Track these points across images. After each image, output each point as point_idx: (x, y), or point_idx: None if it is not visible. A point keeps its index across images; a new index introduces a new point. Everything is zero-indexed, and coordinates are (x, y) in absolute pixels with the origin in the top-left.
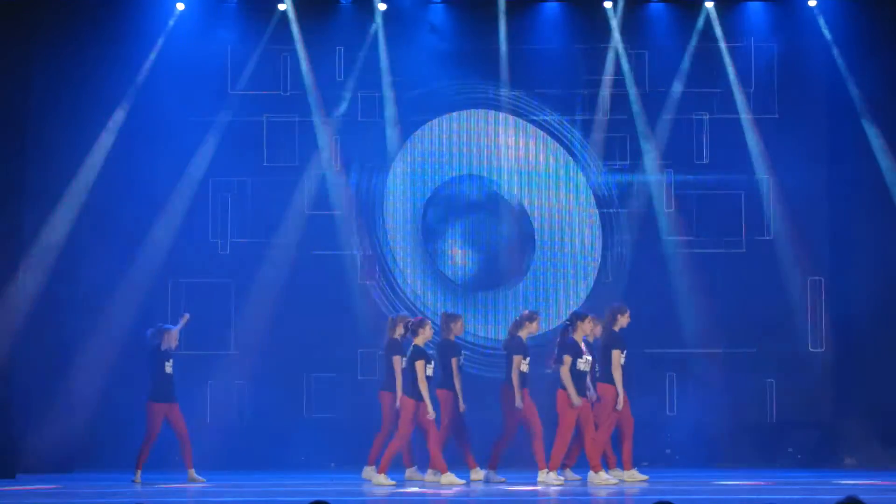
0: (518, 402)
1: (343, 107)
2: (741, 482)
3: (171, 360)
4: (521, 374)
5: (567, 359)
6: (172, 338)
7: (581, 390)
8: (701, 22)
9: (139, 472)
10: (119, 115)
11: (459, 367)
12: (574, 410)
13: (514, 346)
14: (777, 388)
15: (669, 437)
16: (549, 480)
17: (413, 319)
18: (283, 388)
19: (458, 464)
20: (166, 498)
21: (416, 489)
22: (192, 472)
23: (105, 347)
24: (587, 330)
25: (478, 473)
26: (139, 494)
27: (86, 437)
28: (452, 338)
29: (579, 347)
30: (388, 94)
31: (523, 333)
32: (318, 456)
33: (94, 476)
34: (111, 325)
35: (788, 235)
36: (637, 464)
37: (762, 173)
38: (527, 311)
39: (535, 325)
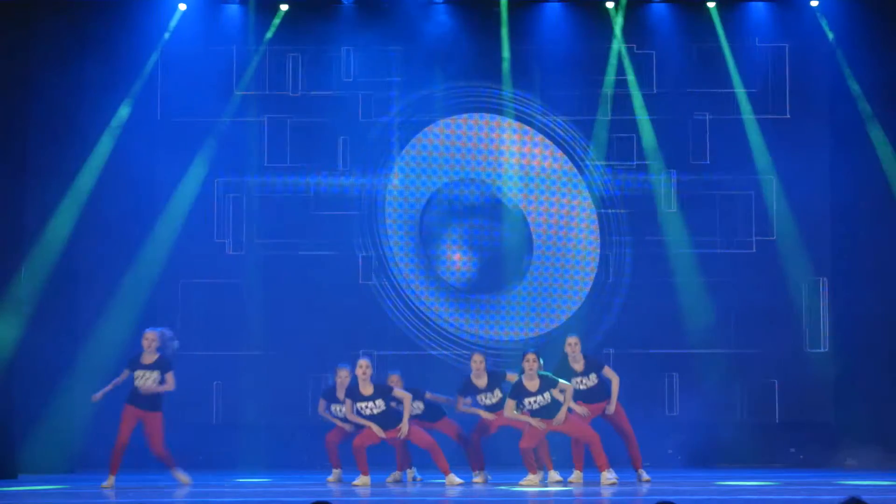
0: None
1: (347, 108)
2: (743, 483)
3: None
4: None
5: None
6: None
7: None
8: (703, 22)
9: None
10: (121, 116)
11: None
12: (539, 432)
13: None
14: (779, 388)
15: (671, 437)
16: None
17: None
18: (285, 388)
19: (463, 464)
20: (167, 499)
21: (417, 489)
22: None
23: (107, 348)
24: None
25: (479, 476)
26: (140, 494)
27: (87, 437)
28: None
29: (523, 389)
30: (391, 95)
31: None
32: (320, 457)
33: (96, 477)
34: (113, 326)
35: (791, 236)
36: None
37: (765, 173)
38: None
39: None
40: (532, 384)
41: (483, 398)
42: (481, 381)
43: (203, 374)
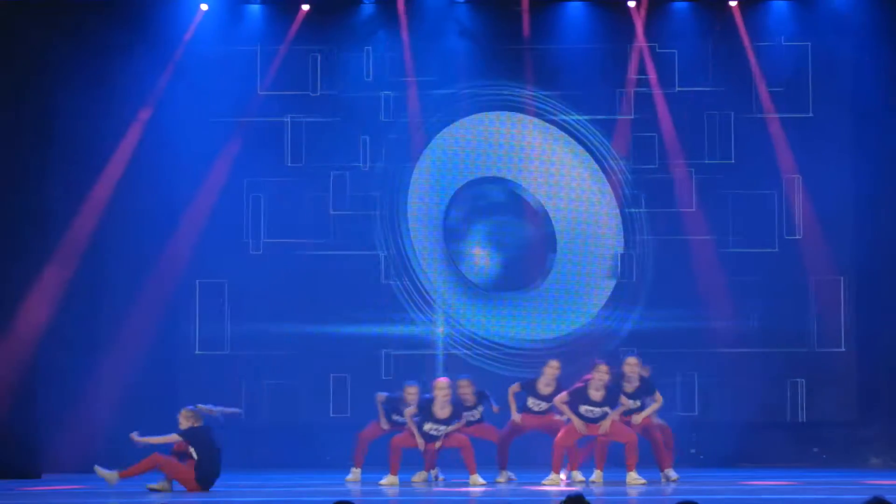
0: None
1: (369, 107)
2: (766, 482)
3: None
4: None
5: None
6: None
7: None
8: (726, 21)
9: None
10: (143, 116)
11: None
12: (576, 432)
13: None
14: (802, 387)
15: (694, 437)
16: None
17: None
18: (307, 388)
19: (491, 464)
20: (188, 498)
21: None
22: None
23: (130, 347)
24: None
25: (503, 476)
26: (164, 496)
27: (110, 437)
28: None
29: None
30: (413, 94)
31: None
32: (343, 456)
33: None
34: (136, 326)
35: (814, 235)
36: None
37: (787, 172)
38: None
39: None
40: (598, 395)
41: (535, 404)
42: (548, 388)
43: (228, 375)
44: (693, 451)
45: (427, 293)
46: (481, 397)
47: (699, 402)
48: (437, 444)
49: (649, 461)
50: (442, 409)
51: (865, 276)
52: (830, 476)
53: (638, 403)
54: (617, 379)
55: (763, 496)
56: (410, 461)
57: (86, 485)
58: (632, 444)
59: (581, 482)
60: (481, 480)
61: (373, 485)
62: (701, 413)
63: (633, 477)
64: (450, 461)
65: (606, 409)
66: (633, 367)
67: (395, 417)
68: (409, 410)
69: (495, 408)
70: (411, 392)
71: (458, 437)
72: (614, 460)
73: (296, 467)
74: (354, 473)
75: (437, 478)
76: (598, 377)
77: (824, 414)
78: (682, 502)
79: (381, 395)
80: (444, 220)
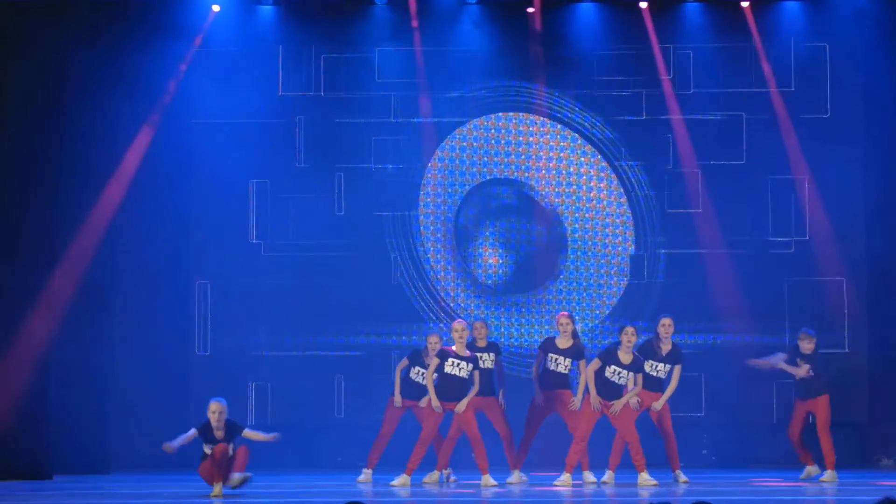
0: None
1: (380, 108)
2: (778, 483)
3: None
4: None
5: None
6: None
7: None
8: (739, 22)
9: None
10: (155, 118)
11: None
12: (592, 413)
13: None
14: None
15: (705, 437)
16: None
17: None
18: (317, 388)
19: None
20: (201, 500)
21: (451, 490)
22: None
23: (141, 349)
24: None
25: (515, 476)
26: (175, 496)
27: (122, 438)
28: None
29: (616, 358)
30: (424, 95)
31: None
32: (354, 457)
33: (131, 477)
34: (147, 327)
35: (825, 236)
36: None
37: (798, 173)
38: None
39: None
40: (626, 357)
41: (554, 361)
42: (565, 342)
43: (237, 375)
44: (704, 452)
45: (438, 294)
46: (492, 346)
47: (706, 402)
48: (462, 406)
49: (658, 461)
50: (461, 350)
51: (876, 276)
52: (842, 477)
53: (664, 370)
54: (648, 343)
55: (775, 497)
56: (424, 463)
57: (97, 486)
58: (633, 443)
59: (592, 483)
60: (493, 482)
61: (384, 485)
62: (711, 413)
63: (645, 478)
64: (461, 462)
65: (630, 375)
66: (668, 327)
67: (415, 376)
68: (430, 370)
69: (501, 403)
70: (433, 341)
71: (474, 429)
72: (624, 461)
73: (305, 468)
74: (366, 474)
75: (448, 478)
76: (627, 339)
77: (835, 415)
78: (696, 503)
79: (403, 361)
80: (456, 222)
